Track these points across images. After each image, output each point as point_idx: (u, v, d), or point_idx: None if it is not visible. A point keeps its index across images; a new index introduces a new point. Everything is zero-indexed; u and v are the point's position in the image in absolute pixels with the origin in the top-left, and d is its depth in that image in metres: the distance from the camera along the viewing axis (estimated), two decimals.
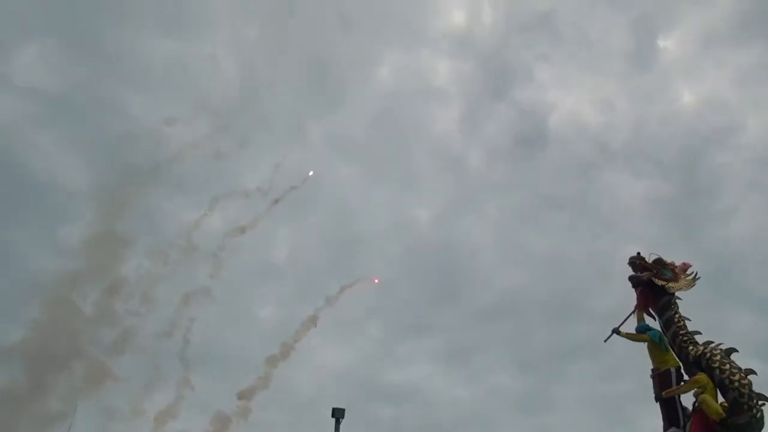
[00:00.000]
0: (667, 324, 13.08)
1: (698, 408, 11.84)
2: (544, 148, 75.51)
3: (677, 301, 13.32)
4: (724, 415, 11.45)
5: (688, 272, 13.54)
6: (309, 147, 59.54)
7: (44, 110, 56.51)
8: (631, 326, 13.55)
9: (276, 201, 38.18)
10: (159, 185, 36.33)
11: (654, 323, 13.33)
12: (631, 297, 13.79)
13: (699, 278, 13.40)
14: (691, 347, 12.52)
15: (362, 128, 71.50)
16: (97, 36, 60.61)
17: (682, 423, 12.01)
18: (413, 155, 73.59)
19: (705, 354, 12.22)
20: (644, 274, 13.36)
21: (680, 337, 12.76)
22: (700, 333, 12.93)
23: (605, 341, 13.32)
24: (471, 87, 74.67)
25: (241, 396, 33.15)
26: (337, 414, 19.47)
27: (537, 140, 73.39)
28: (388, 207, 70.62)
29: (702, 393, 11.72)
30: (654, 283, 13.27)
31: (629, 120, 74.21)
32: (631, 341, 13.25)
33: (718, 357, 12.10)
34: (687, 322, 13.04)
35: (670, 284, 13.30)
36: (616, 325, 13.33)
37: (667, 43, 77.79)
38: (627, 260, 13.70)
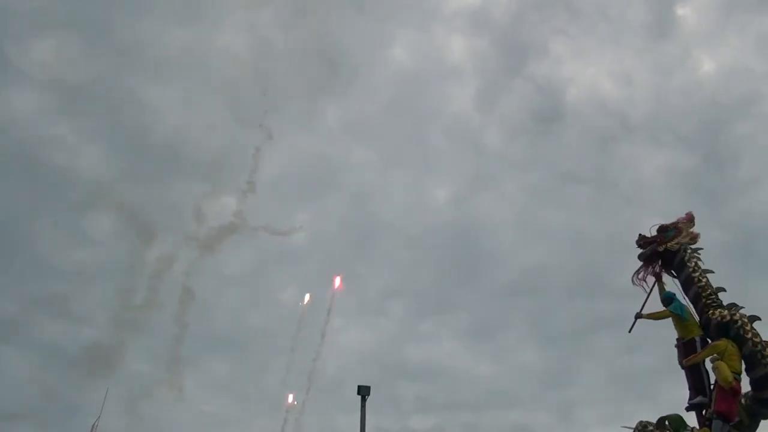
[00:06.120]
0: (687, 283, 12.74)
1: None
2: (562, 124, 74.58)
3: (696, 254, 12.87)
4: (732, 384, 11.13)
5: (692, 223, 13.19)
6: (325, 131, 59.63)
7: (63, 102, 57.27)
8: (655, 299, 13.16)
9: None
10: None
11: (673, 287, 13.06)
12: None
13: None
14: (712, 311, 12.12)
15: (378, 109, 71.28)
16: (114, 28, 61.02)
17: (708, 392, 11.81)
18: (430, 135, 73.42)
19: (735, 321, 11.81)
20: (648, 248, 13.17)
21: (703, 299, 12.34)
22: (725, 290, 12.47)
23: (630, 331, 12.83)
24: (486, 64, 73.89)
25: None
26: (363, 391, 19.62)
27: (555, 116, 72.39)
28: (406, 188, 70.65)
29: (718, 359, 11.37)
30: (659, 252, 13.02)
31: (649, 92, 72.96)
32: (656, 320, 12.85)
33: (749, 327, 11.71)
34: (710, 276, 12.59)
35: (674, 241, 12.95)
36: (638, 310, 12.95)
37: (685, 11, 76.20)
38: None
